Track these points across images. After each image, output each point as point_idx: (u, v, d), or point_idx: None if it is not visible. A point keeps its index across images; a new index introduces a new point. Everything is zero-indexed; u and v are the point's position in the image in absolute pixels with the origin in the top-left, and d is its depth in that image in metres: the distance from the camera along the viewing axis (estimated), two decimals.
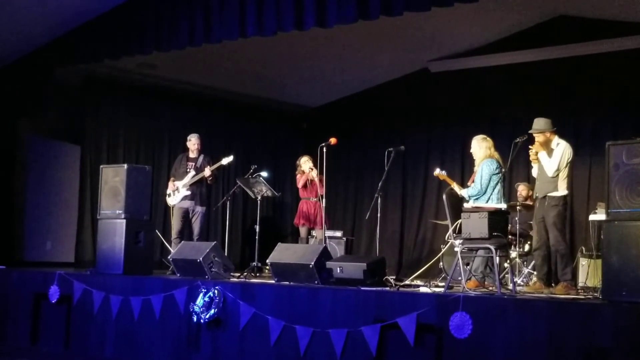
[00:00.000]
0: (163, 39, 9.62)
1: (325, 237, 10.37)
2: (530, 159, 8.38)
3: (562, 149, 8.14)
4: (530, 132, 8.20)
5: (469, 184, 9.00)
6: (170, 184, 10.79)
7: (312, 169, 11.05)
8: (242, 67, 12.57)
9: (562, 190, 8.13)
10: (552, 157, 8.14)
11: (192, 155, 10.87)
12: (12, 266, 10.33)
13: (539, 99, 12.11)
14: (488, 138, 8.82)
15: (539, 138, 8.19)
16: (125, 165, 9.48)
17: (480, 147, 8.73)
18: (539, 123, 8.22)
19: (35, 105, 11.28)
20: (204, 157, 10.85)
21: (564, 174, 8.15)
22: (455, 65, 13.03)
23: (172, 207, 10.77)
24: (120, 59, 10.48)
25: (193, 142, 10.86)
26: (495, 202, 8.36)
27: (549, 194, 8.14)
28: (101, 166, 9.92)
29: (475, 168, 8.76)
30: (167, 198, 10.80)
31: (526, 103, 12.32)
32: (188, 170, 10.72)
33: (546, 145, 8.17)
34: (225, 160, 10.70)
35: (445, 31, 11.81)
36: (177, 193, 10.65)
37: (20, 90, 11.08)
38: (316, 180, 10.91)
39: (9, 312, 9.53)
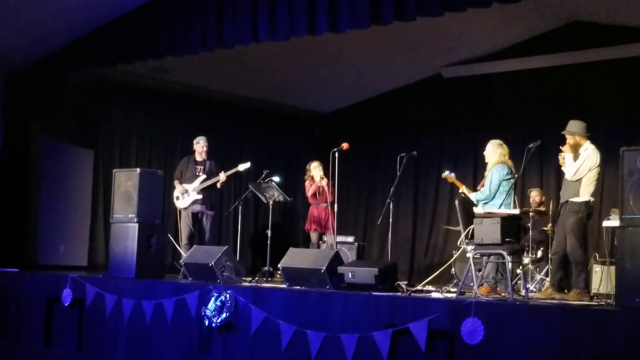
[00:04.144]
0: (176, 43, 9.65)
1: (335, 242, 10.34)
2: (560, 163, 8.29)
3: (586, 155, 7.98)
4: (562, 132, 8.12)
5: (479, 188, 8.97)
6: (178, 186, 10.69)
7: (322, 178, 10.99)
8: (254, 72, 12.58)
9: (583, 196, 7.96)
10: (575, 162, 8.01)
11: (199, 158, 10.81)
12: (25, 269, 10.39)
13: (552, 105, 12.07)
14: (505, 145, 8.73)
15: (569, 140, 8.09)
16: (138, 170, 9.53)
17: (495, 153, 8.67)
18: (573, 125, 8.11)
19: (48, 109, 11.31)
20: (212, 161, 10.82)
21: (587, 180, 7.97)
22: (468, 71, 13.00)
23: (180, 211, 10.74)
24: (133, 63, 10.52)
25: (202, 145, 10.80)
26: (508, 208, 8.32)
27: (570, 200, 8.02)
28: (114, 170, 9.95)
29: (486, 173, 8.73)
30: (176, 201, 10.74)
31: (539, 109, 12.31)
32: (197, 174, 10.68)
33: (574, 149, 8.04)
34: (242, 167, 10.69)
35: (458, 37, 11.79)
36: (187, 196, 10.61)
37: (34, 94, 11.13)
38: (326, 189, 10.86)
39: (22, 315, 9.58)
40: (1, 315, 9.76)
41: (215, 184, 10.64)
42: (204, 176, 10.66)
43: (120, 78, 12.19)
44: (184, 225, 10.69)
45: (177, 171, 10.97)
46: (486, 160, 8.81)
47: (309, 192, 11.23)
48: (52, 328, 9.26)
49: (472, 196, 8.59)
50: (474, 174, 12.59)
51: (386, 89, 14.03)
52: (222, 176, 10.56)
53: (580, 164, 7.97)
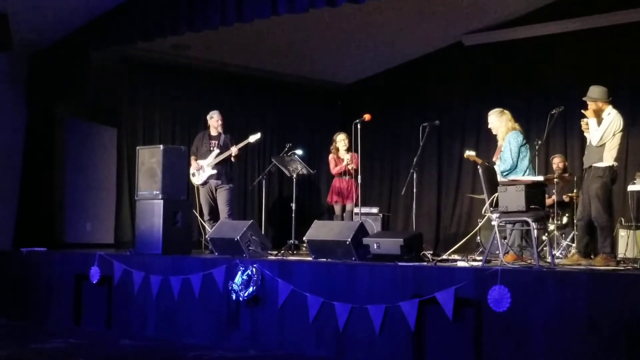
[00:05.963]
0: (195, 19, 9.61)
1: (354, 210, 10.28)
2: (582, 128, 8.22)
3: (610, 119, 7.88)
4: (584, 99, 8.05)
5: (494, 159, 8.90)
6: (194, 162, 10.62)
7: (350, 163, 10.83)
8: (275, 46, 12.55)
9: (607, 161, 7.89)
10: (599, 127, 7.92)
11: (213, 133, 10.72)
12: (53, 248, 10.50)
13: (574, 70, 11.96)
14: (505, 111, 8.68)
15: (591, 106, 7.99)
16: (162, 146, 9.57)
17: (501, 122, 8.59)
18: (593, 91, 8.01)
19: (72, 88, 11.35)
20: (226, 135, 10.74)
21: (610, 144, 7.90)
22: (488, 38, 12.90)
23: (197, 187, 10.75)
24: (153, 40, 10.50)
25: (215, 119, 10.69)
26: (530, 174, 8.28)
27: (593, 165, 7.95)
28: (137, 147, 10.00)
29: (500, 143, 8.67)
30: (192, 177, 10.65)
31: (562, 74, 12.19)
32: (212, 148, 10.60)
33: (597, 114, 7.94)
34: (253, 138, 10.58)
35: (478, 3, 11.70)
36: (202, 172, 10.55)
37: (57, 74, 11.17)
38: (352, 170, 10.74)
39: (52, 293, 9.69)
40: (31, 294, 9.89)
41: (229, 158, 10.57)
42: (217, 151, 10.56)
43: (141, 56, 12.19)
44: (204, 201, 10.65)
45: (192, 147, 10.86)
46: (494, 132, 8.74)
47: (334, 170, 11.14)
48: (82, 306, 9.37)
49: (496, 169, 8.51)
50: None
51: (407, 59, 13.95)
52: (234, 149, 10.45)
53: (605, 128, 7.89)
